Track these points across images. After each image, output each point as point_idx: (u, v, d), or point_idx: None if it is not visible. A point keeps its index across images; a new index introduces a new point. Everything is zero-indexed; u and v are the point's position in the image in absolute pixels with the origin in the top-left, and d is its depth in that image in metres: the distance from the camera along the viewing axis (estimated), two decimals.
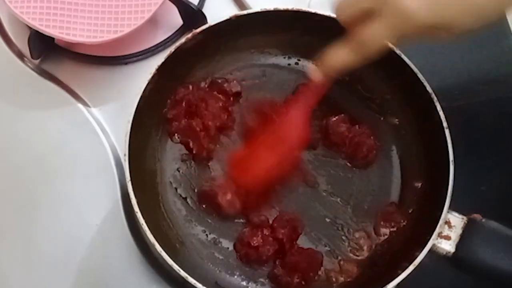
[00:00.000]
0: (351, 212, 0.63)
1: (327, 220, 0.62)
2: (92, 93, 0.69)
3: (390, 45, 0.60)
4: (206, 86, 0.65)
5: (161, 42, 0.70)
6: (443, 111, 0.59)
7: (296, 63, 0.67)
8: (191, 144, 0.63)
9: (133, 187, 0.56)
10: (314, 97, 0.57)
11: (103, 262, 0.63)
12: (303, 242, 0.61)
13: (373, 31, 0.47)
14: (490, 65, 0.73)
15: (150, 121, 0.62)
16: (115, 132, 0.67)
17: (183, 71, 0.64)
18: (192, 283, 0.54)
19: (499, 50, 0.73)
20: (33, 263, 0.62)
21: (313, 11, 0.62)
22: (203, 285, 0.54)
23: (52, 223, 0.64)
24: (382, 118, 0.66)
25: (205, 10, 0.71)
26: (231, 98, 0.65)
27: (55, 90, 0.68)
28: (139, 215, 0.55)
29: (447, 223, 0.56)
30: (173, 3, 0.68)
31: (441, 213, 0.56)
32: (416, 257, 0.55)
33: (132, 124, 0.57)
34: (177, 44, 0.61)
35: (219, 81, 0.65)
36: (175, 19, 0.70)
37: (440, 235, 0.56)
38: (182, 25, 0.71)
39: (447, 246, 0.56)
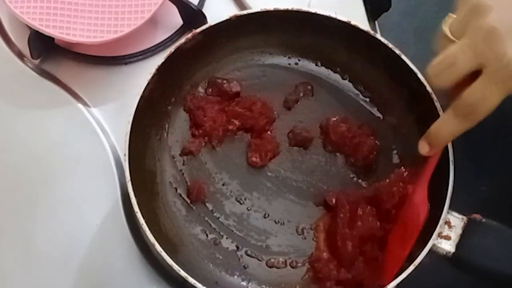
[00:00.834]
0: None
1: None
2: (92, 93, 0.69)
3: (392, 46, 0.61)
4: (205, 85, 0.66)
5: (161, 42, 0.70)
6: (443, 111, 0.59)
7: (296, 63, 0.67)
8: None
9: (133, 187, 0.56)
10: (429, 173, 0.55)
11: (103, 262, 0.63)
12: None
13: (480, 93, 0.45)
14: None
15: (150, 121, 0.62)
16: (115, 132, 0.67)
17: (183, 71, 0.64)
18: (192, 283, 0.54)
19: None
20: (33, 263, 0.62)
21: (313, 11, 0.62)
22: (203, 285, 0.54)
23: (52, 223, 0.64)
24: (382, 118, 0.66)
25: (205, 10, 0.71)
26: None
27: (55, 90, 0.68)
28: (139, 215, 0.55)
29: (447, 223, 0.56)
30: (173, 3, 0.68)
31: (441, 213, 0.56)
32: (416, 257, 0.55)
33: (132, 124, 0.57)
34: (177, 44, 0.61)
35: (219, 81, 0.65)
36: (175, 19, 0.70)
37: (440, 235, 0.56)
38: (182, 25, 0.71)
39: (447, 246, 0.56)
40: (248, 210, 0.63)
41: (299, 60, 0.67)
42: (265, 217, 0.62)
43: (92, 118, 0.67)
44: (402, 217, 0.57)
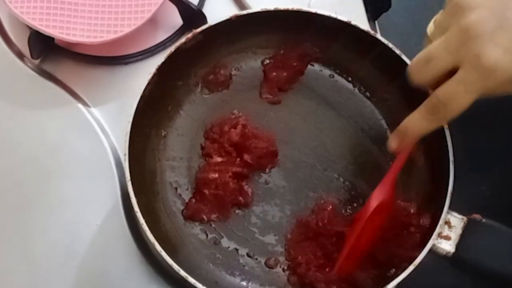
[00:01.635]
0: None
1: None
2: (92, 93, 0.69)
3: (392, 46, 0.61)
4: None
5: (161, 42, 0.70)
6: None
7: (296, 63, 0.67)
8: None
9: (133, 187, 0.56)
10: (396, 167, 0.56)
11: (103, 262, 0.63)
12: None
13: (455, 90, 0.44)
14: None
15: (150, 121, 0.62)
16: (115, 132, 0.67)
17: (183, 71, 0.64)
18: (192, 282, 0.54)
19: None
20: (33, 263, 0.62)
21: (313, 11, 0.62)
22: (203, 285, 0.54)
23: (52, 223, 0.64)
24: (382, 117, 0.66)
25: (205, 10, 0.71)
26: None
27: (55, 90, 0.68)
28: (139, 215, 0.55)
29: (447, 223, 0.56)
30: (173, 3, 0.68)
31: (441, 213, 0.56)
32: (416, 257, 0.55)
33: (132, 124, 0.57)
34: (177, 44, 0.61)
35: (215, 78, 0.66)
36: (175, 19, 0.70)
37: (440, 235, 0.56)
38: (182, 25, 0.71)
39: (447, 246, 0.56)
40: (248, 211, 0.63)
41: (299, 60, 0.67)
42: (265, 217, 0.62)
43: (92, 118, 0.67)
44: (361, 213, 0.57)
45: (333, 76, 0.67)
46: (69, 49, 0.69)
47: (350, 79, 0.67)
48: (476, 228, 0.56)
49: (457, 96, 0.45)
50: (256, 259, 0.61)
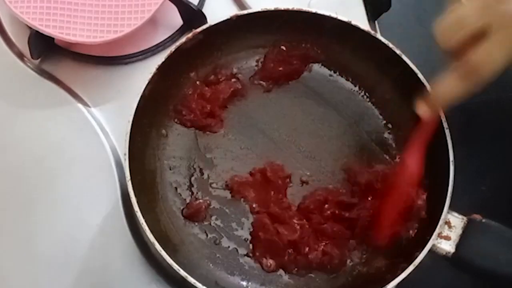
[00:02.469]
0: None
1: None
2: (92, 93, 0.69)
3: (392, 46, 0.61)
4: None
5: (161, 42, 0.70)
6: (443, 111, 0.59)
7: (296, 63, 0.67)
8: None
9: (133, 187, 0.56)
10: (428, 134, 0.55)
11: (103, 262, 0.63)
12: None
13: (486, 53, 0.44)
14: None
15: (150, 121, 0.62)
16: (115, 132, 0.67)
17: (183, 70, 0.64)
18: (192, 282, 0.54)
19: None
20: (33, 263, 0.62)
21: (313, 11, 0.62)
22: (203, 284, 0.54)
23: (52, 223, 0.64)
24: (382, 117, 0.66)
25: (205, 10, 0.71)
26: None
27: (55, 90, 0.68)
28: (139, 214, 0.55)
29: (447, 223, 0.56)
30: (173, 3, 0.68)
31: (441, 213, 0.56)
32: (416, 257, 0.55)
33: (132, 123, 0.58)
34: (178, 43, 0.61)
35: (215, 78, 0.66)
36: (175, 19, 0.70)
37: (440, 235, 0.56)
38: (182, 25, 0.71)
39: (447, 247, 0.56)
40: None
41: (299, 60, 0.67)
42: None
43: (92, 118, 0.67)
44: (395, 182, 0.57)
45: (333, 76, 0.67)
46: (69, 49, 0.69)
47: (350, 79, 0.67)
48: (476, 228, 0.56)
49: (489, 58, 0.44)
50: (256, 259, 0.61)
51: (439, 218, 0.56)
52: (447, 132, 0.58)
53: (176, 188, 0.63)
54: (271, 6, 0.62)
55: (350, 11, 0.70)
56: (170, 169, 0.63)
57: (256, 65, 0.67)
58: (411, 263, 0.55)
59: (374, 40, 0.62)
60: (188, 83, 0.65)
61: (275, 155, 0.64)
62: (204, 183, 0.63)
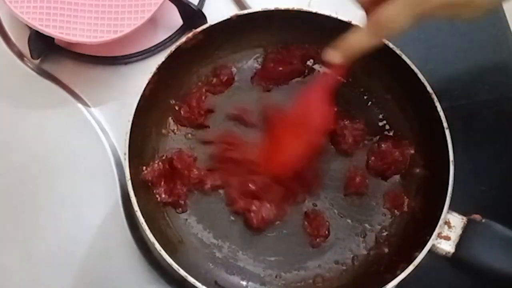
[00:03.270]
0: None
1: None
2: (92, 93, 0.69)
3: (392, 46, 0.61)
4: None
5: (161, 42, 0.70)
6: (443, 111, 0.59)
7: (296, 63, 0.67)
8: None
9: (133, 186, 0.56)
10: (333, 79, 0.57)
11: (103, 262, 0.63)
12: None
13: (392, 11, 0.47)
14: (490, 65, 0.73)
15: (151, 120, 0.62)
16: (115, 132, 0.67)
17: (184, 70, 0.64)
18: (191, 282, 0.54)
19: (499, 50, 0.73)
20: (33, 263, 0.62)
21: (313, 11, 0.62)
22: (202, 284, 0.54)
23: (52, 223, 0.64)
24: (382, 117, 0.66)
25: (205, 10, 0.71)
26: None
27: (55, 90, 0.68)
28: (138, 213, 0.55)
29: (447, 223, 0.56)
30: (173, 3, 0.68)
31: (441, 213, 0.56)
32: (416, 258, 0.55)
33: (132, 123, 0.57)
34: (178, 43, 0.61)
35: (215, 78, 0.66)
36: (175, 19, 0.70)
37: (439, 236, 0.56)
38: (182, 25, 0.71)
39: (447, 247, 0.56)
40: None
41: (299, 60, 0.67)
42: None
43: (92, 118, 0.67)
44: (304, 116, 0.58)
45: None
46: (69, 49, 0.69)
47: (350, 79, 0.67)
48: (476, 229, 0.56)
49: (396, 18, 0.47)
50: (256, 258, 0.61)
51: (439, 218, 0.56)
52: (447, 132, 0.58)
53: None
54: (271, 6, 0.62)
55: (350, 11, 0.70)
56: None
57: (256, 65, 0.67)
58: (410, 263, 0.55)
59: None
60: (188, 83, 0.65)
61: None
62: None
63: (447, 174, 0.57)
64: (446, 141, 0.58)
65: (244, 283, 0.60)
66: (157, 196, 0.61)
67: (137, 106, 0.58)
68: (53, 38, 0.65)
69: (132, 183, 0.56)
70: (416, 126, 0.64)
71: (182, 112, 0.64)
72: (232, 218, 0.62)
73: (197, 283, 0.54)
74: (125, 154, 0.57)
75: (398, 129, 0.65)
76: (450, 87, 0.71)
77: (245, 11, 0.62)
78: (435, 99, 0.59)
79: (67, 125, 0.67)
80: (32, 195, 0.65)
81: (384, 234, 0.62)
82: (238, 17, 0.62)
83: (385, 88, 0.66)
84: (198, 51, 0.63)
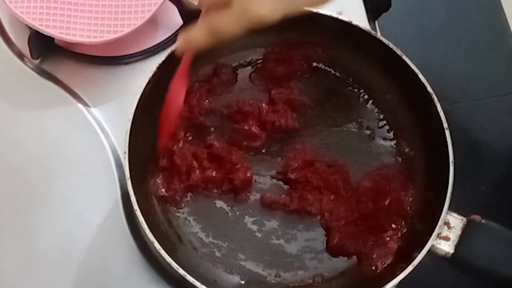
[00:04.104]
0: None
1: None
2: (92, 93, 0.69)
3: (392, 46, 0.61)
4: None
5: (161, 42, 0.70)
6: (443, 111, 0.59)
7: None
8: None
9: (132, 185, 0.56)
10: (184, 68, 0.58)
11: (103, 262, 0.63)
12: None
13: (223, 21, 0.50)
14: (490, 65, 0.73)
15: (150, 119, 0.62)
16: (115, 132, 0.67)
17: None
18: (191, 281, 0.54)
19: (499, 51, 0.73)
20: (33, 263, 0.62)
21: (313, 11, 0.62)
22: (202, 283, 0.54)
23: (52, 223, 0.64)
24: (382, 117, 0.66)
25: None
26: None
27: (55, 90, 0.68)
28: (138, 212, 0.55)
29: (447, 223, 0.56)
30: (173, 3, 0.68)
31: (441, 214, 0.56)
32: (415, 258, 0.55)
33: (132, 122, 0.57)
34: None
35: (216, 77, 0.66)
36: (175, 19, 0.71)
37: (439, 236, 0.56)
38: (182, 25, 0.71)
39: (446, 247, 0.56)
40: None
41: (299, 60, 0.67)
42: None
43: (92, 118, 0.67)
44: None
45: (333, 76, 0.67)
46: (69, 49, 0.69)
47: (350, 79, 0.67)
48: (475, 229, 0.56)
49: (228, 26, 0.50)
50: (255, 258, 0.61)
51: (439, 218, 0.56)
52: (447, 132, 0.58)
53: None
54: None
55: (350, 11, 0.70)
56: None
57: (256, 65, 0.67)
58: (410, 263, 0.55)
59: (374, 40, 0.62)
60: (188, 82, 0.65)
61: None
62: None
63: (447, 175, 0.57)
64: (446, 141, 0.58)
65: (243, 282, 0.60)
66: (154, 188, 0.62)
67: (137, 105, 0.58)
68: (53, 38, 0.66)
69: (131, 182, 0.56)
70: (416, 126, 0.64)
71: (182, 112, 0.64)
72: (232, 218, 0.62)
73: (196, 283, 0.54)
74: (125, 153, 0.57)
75: (398, 129, 0.65)
76: (450, 87, 0.71)
77: None
78: (435, 99, 0.59)
79: (67, 125, 0.67)
80: (31, 195, 0.65)
81: None
82: None
83: (385, 88, 0.66)
84: (199, 50, 0.63)
